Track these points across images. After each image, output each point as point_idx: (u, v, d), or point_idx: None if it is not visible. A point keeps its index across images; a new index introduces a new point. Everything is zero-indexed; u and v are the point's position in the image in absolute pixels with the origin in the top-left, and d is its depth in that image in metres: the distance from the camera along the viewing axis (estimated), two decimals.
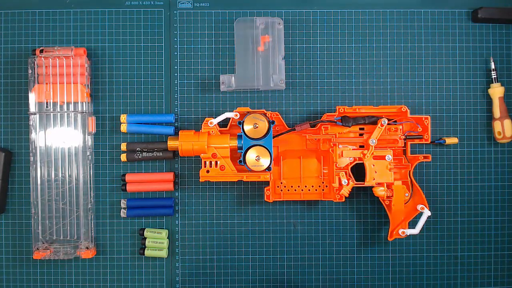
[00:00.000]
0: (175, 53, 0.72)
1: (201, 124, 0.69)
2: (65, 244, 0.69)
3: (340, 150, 0.67)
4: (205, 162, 0.67)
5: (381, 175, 0.66)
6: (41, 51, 0.68)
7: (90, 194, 0.70)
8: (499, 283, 0.72)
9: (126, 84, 0.72)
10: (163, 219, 0.72)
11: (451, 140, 0.71)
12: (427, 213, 0.66)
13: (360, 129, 0.68)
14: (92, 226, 0.70)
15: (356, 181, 0.67)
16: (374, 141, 0.66)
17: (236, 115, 0.67)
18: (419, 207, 0.67)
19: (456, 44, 0.73)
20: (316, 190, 0.70)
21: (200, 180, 0.67)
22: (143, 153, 0.70)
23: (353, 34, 0.72)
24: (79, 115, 0.69)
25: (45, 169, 0.68)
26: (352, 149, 0.68)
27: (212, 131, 0.67)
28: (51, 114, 0.68)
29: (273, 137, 0.67)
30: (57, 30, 0.72)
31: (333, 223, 0.72)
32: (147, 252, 0.70)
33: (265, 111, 0.68)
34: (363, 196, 0.72)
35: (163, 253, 0.70)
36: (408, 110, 0.67)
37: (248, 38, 0.70)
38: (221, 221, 0.72)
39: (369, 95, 0.72)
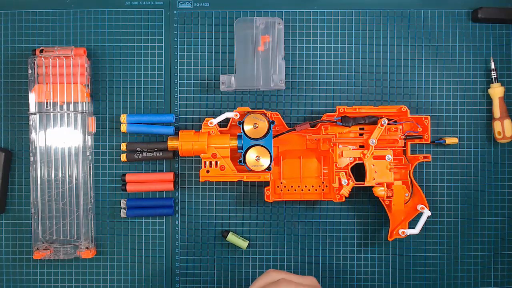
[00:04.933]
0: (175, 53, 0.72)
1: (201, 124, 0.69)
2: (65, 244, 0.69)
3: (340, 150, 0.67)
4: (205, 162, 0.67)
5: (381, 175, 0.66)
6: (41, 51, 0.68)
7: (90, 194, 0.70)
8: (499, 283, 0.72)
9: (126, 84, 0.72)
10: (163, 219, 0.72)
11: (451, 140, 0.71)
12: (427, 213, 0.66)
13: (360, 129, 0.68)
14: (92, 226, 0.70)
15: (356, 181, 0.67)
16: (374, 141, 0.66)
17: (236, 115, 0.67)
18: (419, 207, 0.67)
19: (456, 44, 0.73)
20: (316, 190, 0.70)
21: (200, 180, 0.67)
22: (143, 153, 0.70)
23: (353, 34, 0.72)
24: (79, 115, 0.69)
25: (45, 169, 0.68)
26: (352, 149, 0.68)
27: (212, 131, 0.67)
28: (51, 114, 0.68)
29: (273, 137, 0.67)
30: (57, 30, 0.72)
31: (333, 223, 0.72)
32: (230, 237, 0.70)
33: (265, 111, 0.68)
34: (363, 196, 0.72)
35: (245, 244, 0.70)
36: (408, 110, 0.67)
37: (248, 38, 0.70)
38: (221, 221, 0.72)
39: (369, 95, 0.72)
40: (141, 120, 0.71)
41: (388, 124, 0.67)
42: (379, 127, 0.67)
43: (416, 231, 0.66)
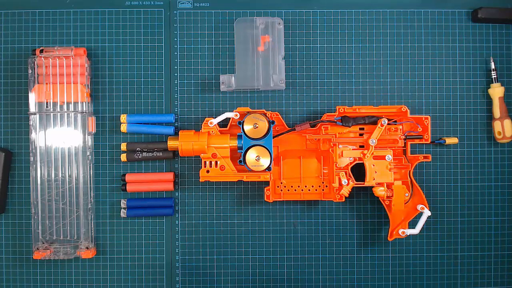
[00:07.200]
0: (175, 53, 0.72)
1: (201, 124, 0.69)
2: (65, 244, 0.69)
3: (340, 150, 0.67)
4: (205, 162, 0.67)
5: (381, 175, 0.66)
6: (41, 51, 0.68)
7: (90, 194, 0.70)
8: (499, 283, 0.72)
9: (126, 84, 0.72)
10: (163, 219, 0.72)
11: (451, 140, 0.71)
12: (427, 213, 0.66)
13: (360, 129, 0.68)
14: (92, 226, 0.70)
15: (356, 181, 0.67)
16: (374, 141, 0.66)
17: (236, 115, 0.67)
18: (419, 207, 0.67)
19: (456, 44, 0.73)
20: (316, 190, 0.70)
21: (200, 180, 0.67)
22: (143, 153, 0.70)
23: (353, 34, 0.72)
24: (79, 115, 0.69)
25: (45, 169, 0.68)
26: (352, 149, 0.68)
27: (212, 131, 0.67)
28: (51, 114, 0.68)
29: (273, 137, 0.67)
30: (57, 30, 0.72)
31: (333, 223, 0.72)
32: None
33: (265, 111, 0.68)
34: (363, 196, 0.72)
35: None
36: (408, 110, 0.67)
37: (248, 38, 0.70)
38: (221, 221, 0.72)
39: (369, 95, 0.72)
40: (141, 120, 0.71)
41: (388, 124, 0.67)
42: (379, 127, 0.66)
43: (416, 231, 0.66)
